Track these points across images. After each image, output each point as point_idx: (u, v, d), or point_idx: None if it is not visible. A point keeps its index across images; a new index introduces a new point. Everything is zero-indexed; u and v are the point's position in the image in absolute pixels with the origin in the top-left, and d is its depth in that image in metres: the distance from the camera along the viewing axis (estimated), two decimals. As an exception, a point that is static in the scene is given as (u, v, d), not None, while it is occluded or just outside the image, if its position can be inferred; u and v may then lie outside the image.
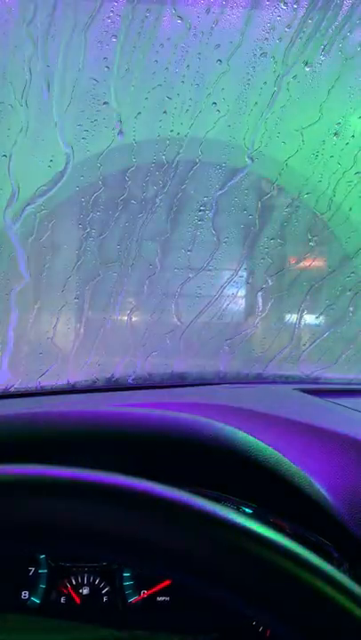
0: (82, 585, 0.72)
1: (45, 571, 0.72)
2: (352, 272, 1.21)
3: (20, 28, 0.90)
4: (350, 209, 1.15)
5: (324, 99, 0.98)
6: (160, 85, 0.95)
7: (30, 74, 0.94)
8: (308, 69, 0.95)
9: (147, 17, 0.89)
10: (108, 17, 0.88)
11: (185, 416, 0.71)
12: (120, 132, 1.01)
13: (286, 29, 0.89)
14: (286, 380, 1.15)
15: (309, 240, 1.19)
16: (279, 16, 0.86)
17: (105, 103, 0.97)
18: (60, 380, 1.07)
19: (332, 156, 1.05)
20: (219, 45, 0.93)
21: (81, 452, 0.66)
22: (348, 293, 1.20)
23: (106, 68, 0.93)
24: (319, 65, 0.95)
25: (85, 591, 0.72)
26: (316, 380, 1.15)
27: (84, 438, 0.66)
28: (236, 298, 1.21)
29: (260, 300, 1.24)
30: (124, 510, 0.30)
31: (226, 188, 1.10)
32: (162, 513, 0.31)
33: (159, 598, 0.71)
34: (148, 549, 0.30)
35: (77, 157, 1.03)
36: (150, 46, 0.91)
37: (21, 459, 0.33)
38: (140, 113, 0.99)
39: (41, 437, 0.66)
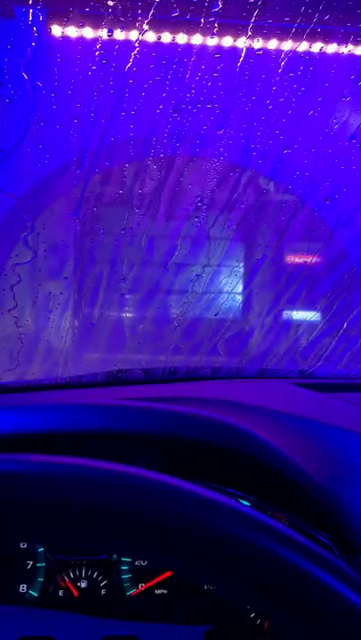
0: (80, 578, 0.72)
1: (43, 564, 0.72)
2: (350, 269, 1.21)
3: (17, 22, 0.89)
4: (348, 204, 1.16)
5: (323, 93, 0.98)
6: (158, 79, 0.95)
7: (27, 68, 0.93)
8: (306, 63, 0.95)
9: (146, 11, 0.88)
10: (110, 13, 0.88)
11: (183, 410, 0.71)
12: (117, 128, 1.01)
13: (285, 20, 0.89)
14: (284, 376, 1.15)
15: (307, 236, 1.19)
16: (277, 7, 0.86)
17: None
18: (57, 376, 1.07)
19: (330, 151, 1.05)
20: (217, 39, 0.93)
21: (82, 446, 0.67)
22: (345, 289, 1.21)
23: (103, 62, 0.93)
24: (317, 59, 0.95)
25: (83, 584, 0.72)
26: (313, 375, 1.15)
27: (82, 432, 0.67)
28: (233, 294, 1.21)
29: (256, 295, 1.24)
30: (122, 496, 0.31)
31: (223, 183, 1.10)
32: (164, 500, 0.31)
33: (157, 591, 0.72)
34: (148, 536, 0.30)
35: (74, 153, 1.02)
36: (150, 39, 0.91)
37: (23, 452, 0.33)
38: (137, 107, 0.99)
39: (41, 432, 0.66)
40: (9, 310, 1.04)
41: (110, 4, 0.88)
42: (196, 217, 1.12)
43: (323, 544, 0.65)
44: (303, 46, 0.97)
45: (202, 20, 0.90)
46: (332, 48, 0.98)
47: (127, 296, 1.19)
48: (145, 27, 0.88)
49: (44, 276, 1.09)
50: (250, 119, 1.04)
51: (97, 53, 0.92)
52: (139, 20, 0.89)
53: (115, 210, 1.10)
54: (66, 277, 1.12)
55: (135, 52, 0.91)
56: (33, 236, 1.04)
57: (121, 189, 1.08)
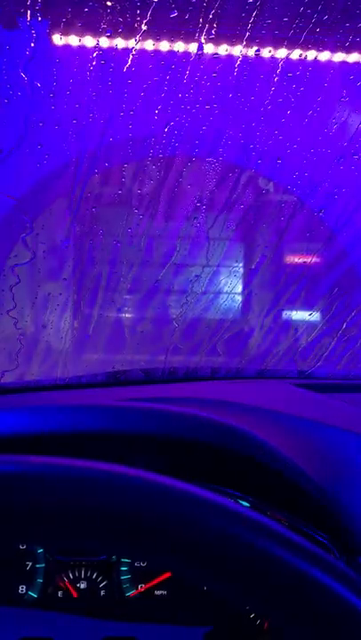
0: (79, 579, 0.72)
1: (43, 565, 0.72)
2: (349, 269, 1.21)
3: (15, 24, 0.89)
4: (346, 205, 1.16)
5: (322, 94, 0.98)
6: (157, 79, 0.95)
7: (26, 69, 0.93)
8: (305, 65, 0.95)
9: (144, 12, 0.88)
10: (108, 14, 0.88)
11: (183, 410, 0.71)
12: (116, 128, 1.01)
13: (283, 22, 0.89)
14: (283, 376, 1.15)
15: (306, 236, 1.19)
16: (276, 7, 0.87)
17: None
18: (56, 376, 1.07)
19: (329, 151, 1.05)
20: (215, 41, 0.93)
21: (82, 446, 0.67)
22: (344, 290, 1.21)
23: (102, 62, 0.93)
24: (315, 61, 0.95)
25: (83, 585, 0.72)
26: (312, 376, 1.15)
27: (82, 433, 0.67)
28: (232, 294, 1.21)
29: (256, 296, 1.24)
30: (120, 496, 0.31)
31: (222, 184, 1.10)
32: (163, 501, 0.31)
33: (157, 592, 0.72)
34: (147, 537, 0.30)
35: (73, 153, 1.02)
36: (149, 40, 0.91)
37: (23, 453, 0.33)
38: (135, 108, 0.99)
39: (41, 433, 0.66)
40: (8, 311, 1.04)
41: (109, 4, 0.88)
42: (196, 217, 1.12)
43: (322, 545, 0.65)
44: (303, 48, 0.97)
45: (200, 22, 0.90)
46: (331, 50, 0.98)
47: (126, 296, 1.19)
48: (144, 27, 0.89)
49: (43, 277, 1.09)
50: (249, 120, 1.04)
51: (95, 54, 0.92)
52: (138, 22, 0.89)
53: (114, 210, 1.10)
54: (65, 278, 1.12)
55: (134, 52, 0.91)
56: (32, 236, 1.04)
57: (120, 190, 1.08)
